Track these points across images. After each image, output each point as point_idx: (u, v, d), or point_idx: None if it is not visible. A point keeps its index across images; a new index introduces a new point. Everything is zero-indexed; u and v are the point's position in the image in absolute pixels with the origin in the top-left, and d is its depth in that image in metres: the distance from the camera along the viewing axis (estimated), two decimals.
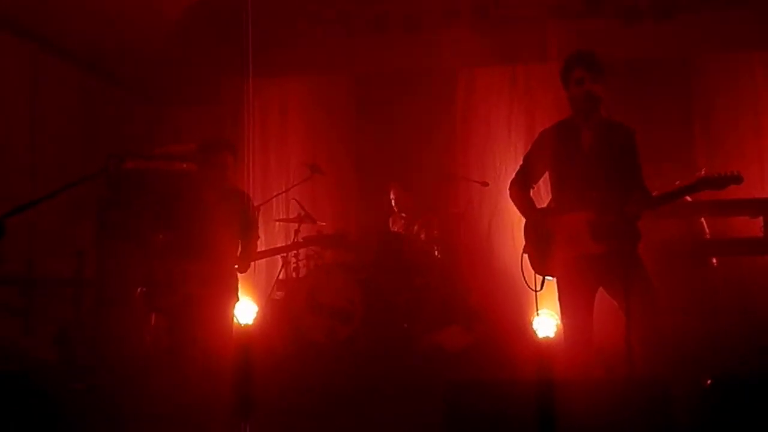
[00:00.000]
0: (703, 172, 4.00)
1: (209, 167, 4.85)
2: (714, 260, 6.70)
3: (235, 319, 4.96)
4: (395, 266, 6.93)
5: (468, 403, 2.65)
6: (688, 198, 6.58)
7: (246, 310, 7.25)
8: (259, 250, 5.23)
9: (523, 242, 4.41)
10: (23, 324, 6.05)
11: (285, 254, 7.10)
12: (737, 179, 3.84)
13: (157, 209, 5.03)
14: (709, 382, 2.61)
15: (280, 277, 7.22)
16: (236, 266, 4.93)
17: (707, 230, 6.83)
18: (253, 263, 5.16)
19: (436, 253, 7.23)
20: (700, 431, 2.53)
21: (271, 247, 6.23)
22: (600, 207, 4.04)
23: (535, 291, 4.29)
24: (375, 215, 7.79)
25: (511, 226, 7.54)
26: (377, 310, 6.59)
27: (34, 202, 3.98)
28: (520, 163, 4.51)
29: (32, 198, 4.00)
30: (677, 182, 4.08)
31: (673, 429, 2.50)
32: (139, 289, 5.01)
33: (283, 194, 7.73)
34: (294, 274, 7.27)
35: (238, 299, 4.94)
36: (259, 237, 5.12)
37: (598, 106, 4.17)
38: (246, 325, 7.17)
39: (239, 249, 4.96)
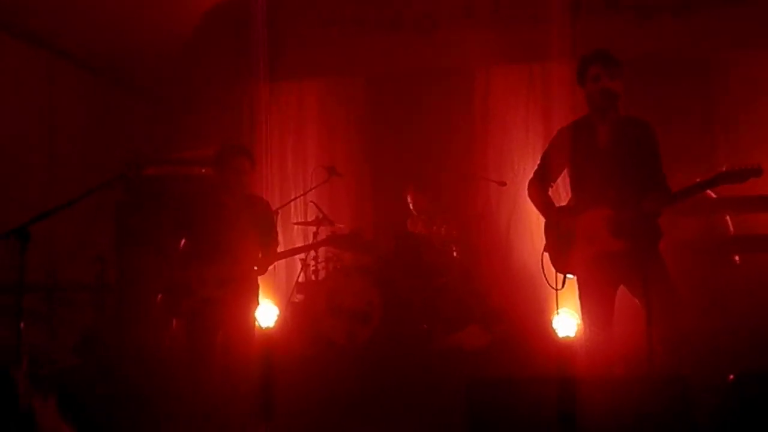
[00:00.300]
0: (724, 168, 3.97)
1: (227, 172, 4.87)
2: (737, 257, 6.64)
3: (256, 323, 4.98)
4: (414, 267, 6.93)
5: (491, 401, 2.64)
6: (713, 195, 6.54)
7: (267, 313, 7.28)
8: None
9: (543, 241, 4.40)
10: (47, 329, 6.10)
11: (304, 257, 7.12)
12: (757, 172, 3.80)
13: (175, 214, 5.06)
14: (731, 378, 2.59)
15: (300, 280, 7.24)
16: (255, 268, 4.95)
17: (731, 227, 6.77)
18: (272, 266, 5.18)
19: (454, 253, 7.22)
20: (720, 429, 2.51)
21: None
22: (618, 204, 4.03)
23: (556, 289, 4.27)
24: (392, 216, 7.79)
25: (530, 226, 7.51)
26: (396, 311, 6.59)
27: (56, 209, 4.02)
28: (538, 161, 4.50)
29: (51, 205, 4.05)
30: (697, 179, 4.05)
31: (694, 427, 2.48)
32: (159, 295, 5.04)
33: (301, 197, 7.75)
34: (313, 277, 7.29)
35: (258, 303, 4.95)
36: (278, 243, 5.14)
37: (615, 103, 4.16)
38: (267, 328, 7.22)
39: (259, 254, 4.98)
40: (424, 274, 6.95)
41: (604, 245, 4.05)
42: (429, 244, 7.15)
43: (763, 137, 7.51)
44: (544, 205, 4.40)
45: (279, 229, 5.27)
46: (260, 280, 5.01)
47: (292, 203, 7.85)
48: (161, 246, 5.24)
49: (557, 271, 4.27)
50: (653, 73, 7.66)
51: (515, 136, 8.13)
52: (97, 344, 5.98)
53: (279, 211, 6.67)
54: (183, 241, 4.91)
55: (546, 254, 4.32)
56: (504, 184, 7.53)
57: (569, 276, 4.24)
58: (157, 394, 4.99)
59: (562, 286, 4.24)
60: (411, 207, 7.50)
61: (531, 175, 4.51)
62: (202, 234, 4.86)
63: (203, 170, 6.55)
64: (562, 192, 5.00)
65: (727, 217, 6.73)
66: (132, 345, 6.00)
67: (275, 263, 5.21)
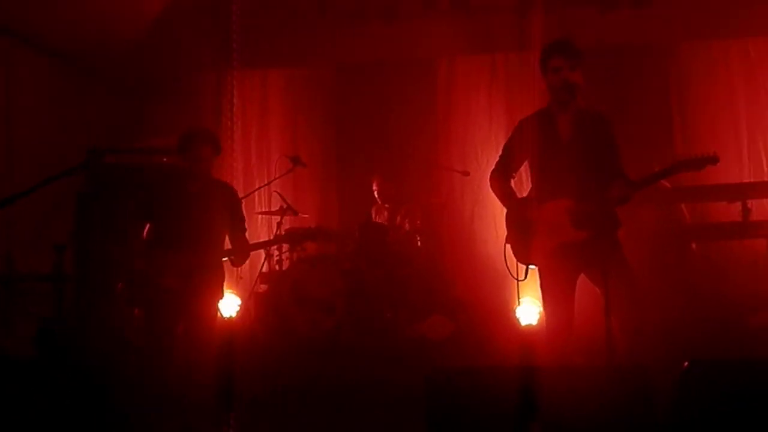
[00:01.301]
0: (681, 157, 4.04)
1: (190, 159, 4.82)
2: (693, 245, 6.77)
3: (218, 312, 4.94)
4: (378, 257, 6.95)
5: (449, 391, 2.66)
6: (668, 185, 6.64)
7: (229, 303, 7.24)
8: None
9: (506, 232, 4.42)
10: (2, 320, 6.00)
11: (268, 247, 7.09)
12: (713, 159, 3.88)
13: (139, 203, 5.00)
14: (686, 364, 2.64)
15: (263, 269, 7.21)
16: (230, 259, 4.89)
17: (687, 216, 6.89)
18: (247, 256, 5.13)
19: (418, 243, 7.25)
20: (679, 416, 2.56)
21: (254, 240, 6.21)
22: (579, 195, 4.06)
23: (518, 280, 4.30)
24: (357, 206, 7.80)
25: (494, 216, 7.55)
26: (360, 301, 6.61)
27: (13, 198, 3.95)
28: (500, 153, 4.52)
29: (9, 193, 3.98)
30: (656, 168, 4.11)
31: (654, 414, 2.53)
32: (119, 285, 4.97)
33: (265, 187, 7.71)
34: (277, 267, 7.26)
35: (223, 294, 4.91)
36: (245, 230, 5.09)
37: (576, 94, 4.18)
38: (229, 318, 7.17)
39: (225, 241, 4.93)
40: (388, 263, 6.97)
41: (566, 236, 4.09)
42: (393, 233, 7.17)
43: (719, 125, 7.65)
44: (506, 196, 4.43)
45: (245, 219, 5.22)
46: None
47: (256, 193, 7.80)
48: (123, 235, 5.17)
49: (519, 261, 4.29)
50: (612, 63, 7.75)
51: (479, 126, 8.17)
52: (55, 335, 5.89)
53: (243, 200, 6.61)
54: (146, 230, 4.85)
55: (508, 245, 4.35)
56: (467, 173, 7.57)
57: (531, 266, 4.28)
58: (117, 385, 4.94)
59: (525, 276, 4.27)
60: (376, 195, 7.50)
61: (493, 166, 4.53)
62: (166, 222, 4.81)
63: (166, 159, 6.49)
64: (525, 183, 5.04)
65: (683, 206, 6.85)
66: (91, 336, 5.93)
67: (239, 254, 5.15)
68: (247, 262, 7.65)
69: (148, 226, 4.86)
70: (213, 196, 4.87)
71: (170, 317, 4.67)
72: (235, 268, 6.65)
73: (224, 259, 4.90)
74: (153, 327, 4.69)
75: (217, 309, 4.84)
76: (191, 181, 4.87)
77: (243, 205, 5.21)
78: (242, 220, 5.04)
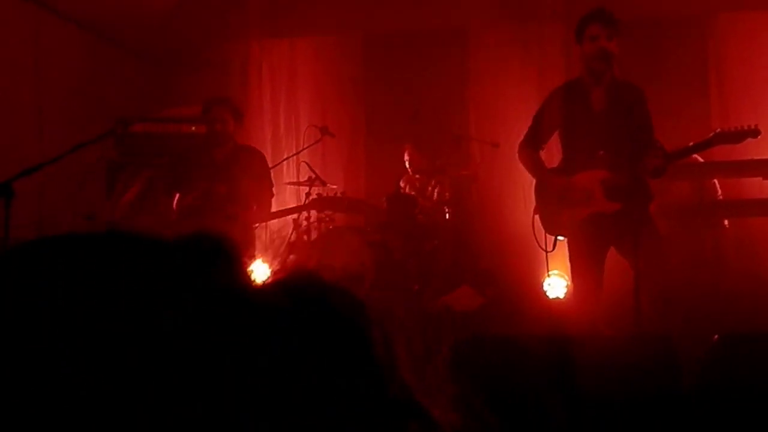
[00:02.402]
0: (719, 129, 3.97)
1: (213, 125, 4.84)
2: (726, 222, 6.67)
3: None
4: (406, 228, 6.93)
5: (475, 360, 2.65)
6: (701, 159, 6.53)
7: (260, 272, 7.30)
8: (273, 210, 5.21)
9: (534, 204, 4.39)
10: None
11: (296, 217, 7.10)
12: (754, 132, 3.82)
13: (167, 172, 5.03)
14: (716, 337, 2.61)
15: (292, 239, 7.23)
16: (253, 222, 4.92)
17: (719, 191, 6.78)
18: (264, 224, 5.16)
19: (447, 215, 7.21)
20: (706, 387, 2.54)
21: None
22: (613, 166, 4.02)
23: (546, 251, 4.28)
24: (386, 177, 7.77)
25: (523, 188, 7.45)
26: (388, 272, 6.60)
27: (42, 165, 3.99)
28: (530, 123, 4.48)
29: (40, 161, 4.01)
30: (691, 142, 4.05)
31: (680, 384, 2.50)
32: None
33: (294, 157, 7.70)
34: (305, 237, 7.27)
35: (254, 258, 4.93)
36: (273, 195, 5.10)
37: (612, 64, 4.12)
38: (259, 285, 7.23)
39: (254, 207, 4.95)
40: (416, 235, 6.95)
41: (598, 206, 4.05)
42: (421, 205, 7.14)
43: (758, 99, 7.49)
44: (535, 166, 4.39)
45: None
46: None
47: (285, 163, 7.80)
48: (152, 204, 5.20)
49: (548, 232, 4.26)
50: (649, 35, 7.62)
51: (509, 98, 8.07)
52: None
53: (272, 170, 6.64)
54: (177, 199, 4.88)
55: (536, 216, 4.32)
56: (497, 145, 7.50)
57: (560, 238, 4.24)
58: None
59: (553, 248, 4.24)
60: (407, 165, 7.47)
61: (522, 137, 4.48)
62: (195, 191, 4.84)
63: (193, 128, 6.50)
64: (554, 156, 4.99)
65: (716, 181, 6.74)
66: None
67: (268, 221, 5.18)
68: (276, 231, 7.77)
69: (177, 195, 4.89)
70: (238, 162, 4.88)
71: None
72: (265, 236, 6.69)
73: (255, 225, 4.92)
74: None
75: (249, 272, 4.87)
76: (217, 148, 4.88)
77: (270, 171, 5.22)
78: (268, 184, 5.05)
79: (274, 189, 5.12)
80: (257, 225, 4.94)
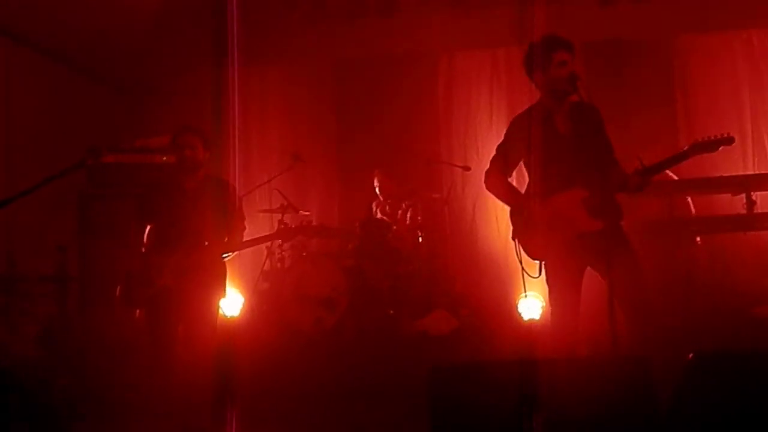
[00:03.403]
0: (699, 139, 4.05)
1: (181, 154, 4.79)
2: (698, 238, 6.74)
3: (219, 311, 4.92)
4: (379, 253, 6.93)
5: (452, 387, 2.64)
6: (674, 176, 6.62)
7: (232, 302, 7.25)
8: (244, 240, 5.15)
9: (509, 227, 4.38)
10: (4, 321, 5.99)
11: (269, 245, 7.07)
12: (728, 140, 3.93)
13: (138, 203, 4.99)
14: (690, 356, 2.62)
15: (265, 267, 7.20)
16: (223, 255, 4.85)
17: (693, 209, 6.86)
18: (238, 253, 5.11)
19: (420, 238, 7.22)
20: (683, 407, 2.54)
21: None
22: (588, 185, 4.06)
23: (533, 277, 4.25)
24: (358, 202, 7.77)
25: (495, 211, 7.52)
26: (363, 298, 6.59)
27: (13, 198, 3.94)
28: (494, 153, 4.49)
29: (9, 194, 3.96)
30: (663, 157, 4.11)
31: (656, 405, 2.51)
32: (118, 286, 4.95)
33: (266, 184, 7.69)
34: (279, 265, 7.25)
35: (224, 291, 4.89)
36: (245, 228, 5.05)
37: (577, 86, 4.17)
38: (231, 317, 7.16)
39: (225, 238, 4.89)
40: (390, 259, 6.96)
41: (585, 226, 4.06)
42: (394, 229, 7.15)
43: (723, 118, 7.62)
44: (508, 193, 4.40)
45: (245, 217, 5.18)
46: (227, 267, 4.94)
47: (257, 190, 7.78)
48: (125, 236, 5.15)
49: (531, 257, 4.25)
50: (613, 56, 7.74)
51: (480, 121, 8.15)
52: (58, 336, 5.89)
53: (243, 198, 6.60)
54: (148, 230, 4.83)
55: (515, 242, 4.31)
56: (468, 169, 7.55)
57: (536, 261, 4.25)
58: (120, 385, 4.93)
59: (539, 273, 4.23)
60: (377, 191, 7.48)
61: (488, 167, 4.49)
62: (165, 221, 4.79)
63: (164, 158, 6.48)
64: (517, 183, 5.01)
65: (689, 198, 6.82)
66: (94, 337, 5.92)
67: (240, 250, 5.13)
68: (250, 259, 7.72)
69: (149, 227, 4.84)
70: (209, 193, 4.83)
71: (170, 317, 4.61)
72: (238, 266, 6.64)
73: (225, 256, 4.87)
74: (153, 328, 4.64)
75: (218, 307, 4.83)
76: (186, 177, 4.84)
77: (242, 204, 5.17)
78: (239, 217, 4.98)
79: (245, 222, 5.06)
80: (228, 255, 4.86)
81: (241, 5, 7.18)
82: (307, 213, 7.42)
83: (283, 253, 7.26)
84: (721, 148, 3.96)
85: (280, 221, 7.06)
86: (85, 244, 6.63)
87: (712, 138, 3.94)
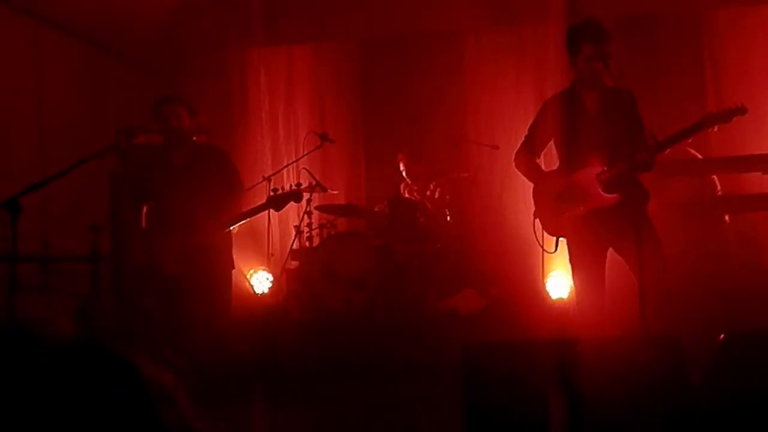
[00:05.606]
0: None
1: (164, 125, 4.60)
2: (726, 217, 6.69)
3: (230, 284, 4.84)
4: (408, 232, 6.95)
5: (486, 364, 2.67)
6: (699, 156, 6.56)
7: (261, 280, 7.32)
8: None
9: (533, 207, 4.42)
10: (41, 301, 6.10)
11: (298, 224, 7.12)
12: (741, 110, 3.91)
13: (128, 184, 4.89)
14: (721, 337, 2.62)
15: (294, 246, 7.25)
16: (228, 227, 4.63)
17: (719, 187, 6.81)
18: (263, 230, 5.00)
19: (448, 217, 7.24)
20: (712, 387, 2.55)
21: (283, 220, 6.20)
22: (608, 162, 4.07)
23: (548, 252, 4.30)
24: (385, 182, 7.79)
25: (523, 189, 7.47)
26: (392, 277, 6.62)
27: (47, 181, 4.01)
28: (525, 133, 4.52)
29: (41, 176, 4.04)
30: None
31: (686, 386, 2.52)
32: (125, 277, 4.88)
33: (294, 164, 7.72)
34: (307, 244, 7.29)
35: (233, 263, 4.76)
36: (242, 193, 4.78)
37: (603, 75, 4.18)
38: (262, 294, 7.21)
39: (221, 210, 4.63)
40: (419, 239, 6.98)
41: (598, 201, 4.08)
42: (423, 209, 7.17)
43: (754, 93, 7.51)
44: (533, 171, 4.45)
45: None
46: (255, 248, 4.86)
47: (285, 170, 7.82)
48: (125, 222, 5.06)
49: (549, 234, 4.30)
50: (644, 32, 7.65)
51: (506, 100, 8.12)
52: (93, 315, 5.98)
53: (272, 178, 6.65)
54: (144, 215, 4.70)
55: (536, 220, 4.35)
56: (497, 147, 7.53)
57: (561, 238, 4.27)
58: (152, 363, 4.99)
59: (555, 249, 4.27)
60: (404, 173, 7.50)
61: (518, 147, 4.53)
62: (158, 202, 4.64)
63: (195, 138, 6.52)
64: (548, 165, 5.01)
65: (715, 177, 6.77)
66: (127, 315, 6.01)
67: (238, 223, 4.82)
68: (279, 238, 7.77)
69: (145, 209, 4.71)
70: (198, 165, 4.62)
71: (182, 304, 4.52)
72: (264, 244, 6.63)
73: (233, 227, 4.69)
74: (167, 316, 4.52)
75: (230, 283, 4.71)
76: (174, 152, 4.67)
77: (271, 183, 5.07)
78: (237, 186, 4.72)
79: (243, 187, 4.80)
80: (233, 228, 4.69)
81: None
82: (335, 192, 7.45)
83: (311, 232, 7.31)
84: (734, 119, 3.93)
85: (309, 200, 7.09)
86: (117, 223, 6.72)
87: (725, 108, 3.94)
